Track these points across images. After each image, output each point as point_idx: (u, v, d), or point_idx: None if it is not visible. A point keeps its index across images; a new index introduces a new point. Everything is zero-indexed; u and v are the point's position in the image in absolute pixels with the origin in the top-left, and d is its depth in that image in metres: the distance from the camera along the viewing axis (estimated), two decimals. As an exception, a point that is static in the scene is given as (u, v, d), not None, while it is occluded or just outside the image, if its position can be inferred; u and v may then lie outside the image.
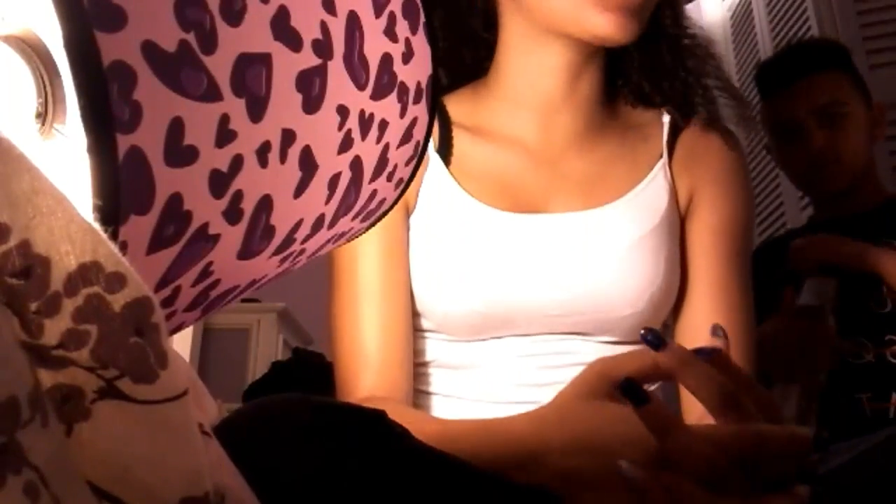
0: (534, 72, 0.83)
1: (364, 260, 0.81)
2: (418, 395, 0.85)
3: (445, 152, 0.85)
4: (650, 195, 0.84)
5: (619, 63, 0.88)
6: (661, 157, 0.86)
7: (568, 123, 0.85)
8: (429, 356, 0.84)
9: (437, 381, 0.84)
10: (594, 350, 0.80)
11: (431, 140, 0.81)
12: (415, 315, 0.83)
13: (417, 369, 0.84)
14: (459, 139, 0.85)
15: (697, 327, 0.81)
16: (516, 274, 0.78)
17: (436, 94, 0.49)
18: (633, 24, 0.74)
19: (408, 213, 0.84)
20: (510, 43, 0.84)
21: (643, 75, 0.87)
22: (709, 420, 0.50)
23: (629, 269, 0.79)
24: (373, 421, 0.53)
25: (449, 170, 0.83)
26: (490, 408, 0.80)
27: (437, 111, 0.85)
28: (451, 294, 0.79)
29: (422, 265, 0.82)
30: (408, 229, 0.83)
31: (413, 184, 0.80)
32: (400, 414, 0.72)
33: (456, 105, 0.88)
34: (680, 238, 0.85)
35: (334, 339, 0.82)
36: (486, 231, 0.80)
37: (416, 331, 0.84)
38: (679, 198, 0.86)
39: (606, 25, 0.73)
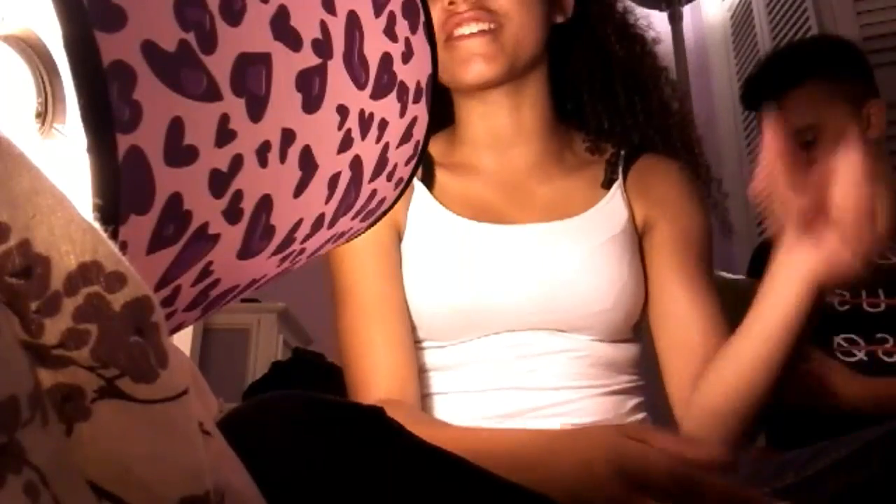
0: (479, 117, 0.95)
1: (365, 279, 0.89)
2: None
3: (428, 182, 0.95)
4: (609, 211, 0.93)
5: (572, 99, 1.00)
6: (618, 180, 0.95)
7: (524, 154, 0.95)
8: (421, 364, 0.90)
9: (431, 383, 0.90)
10: (573, 344, 0.86)
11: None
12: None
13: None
14: (439, 173, 0.96)
15: (672, 314, 0.88)
16: (494, 275, 0.86)
17: (435, 94, 0.49)
18: (489, 66, 0.87)
19: (399, 238, 0.92)
20: (455, 98, 0.98)
21: (598, 116, 0.98)
22: None
23: (594, 268, 0.87)
24: (371, 417, 0.53)
25: (432, 194, 0.93)
26: (478, 396, 0.86)
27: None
28: (437, 296, 0.87)
29: (414, 278, 0.89)
30: (400, 254, 0.91)
31: (402, 211, 0.91)
32: (418, 419, 0.79)
33: (434, 147, 1.00)
34: (641, 256, 0.93)
35: (344, 352, 0.88)
36: (465, 239, 0.89)
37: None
38: (636, 219, 0.94)
39: (468, 74, 0.87)
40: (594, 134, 0.99)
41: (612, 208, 0.93)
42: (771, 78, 1.40)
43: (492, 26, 0.86)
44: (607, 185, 0.95)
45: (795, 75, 1.36)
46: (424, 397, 0.89)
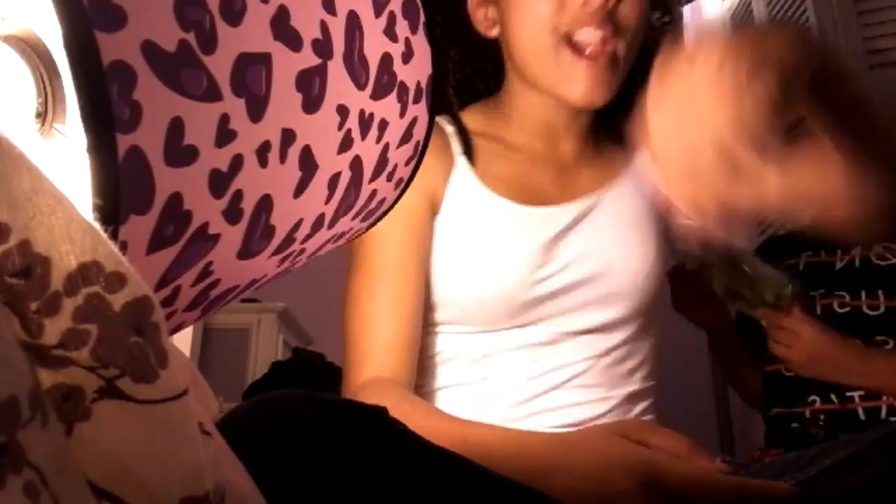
0: (539, 108, 0.92)
1: (384, 245, 0.85)
2: (421, 391, 0.88)
3: (468, 156, 0.91)
4: (633, 187, 0.94)
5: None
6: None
7: (570, 146, 0.95)
8: (437, 349, 0.88)
9: (444, 374, 0.88)
10: (602, 342, 0.87)
11: (456, 144, 0.91)
12: (426, 310, 0.87)
13: (422, 364, 0.87)
14: (480, 145, 0.93)
15: None
16: (535, 260, 0.85)
17: (436, 94, 0.49)
18: (601, 95, 0.84)
19: (433, 213, 0.89)
20: (517, 84, 0.93)
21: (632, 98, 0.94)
22: None
23: (630, 243, 0.90)
24: (372, 417, 0.53)
25: (473, 172, 0.90)
26: (500, 388, 0.85)
27: (455, 123, 0.95)
28: (478, 281, 0.84)
29: (450, 258, 0.86)
30: (432, 228, 0.88)
31: (440, 183, 0.88)
32: (413, 404, 0.76)
33: (471, 118, 0.96)
34: None
35: (345, 318, 0.85)
36: (508, 223, 0.87)
37: (426, 326, 0.87)
38: None
39: (579, 91, 0.83)
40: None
41: (636, 185, 0.94)
42: None
43: (615, 49, 0.82)
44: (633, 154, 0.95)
45: None
46: (434, 392, 0.88)
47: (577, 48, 0.82)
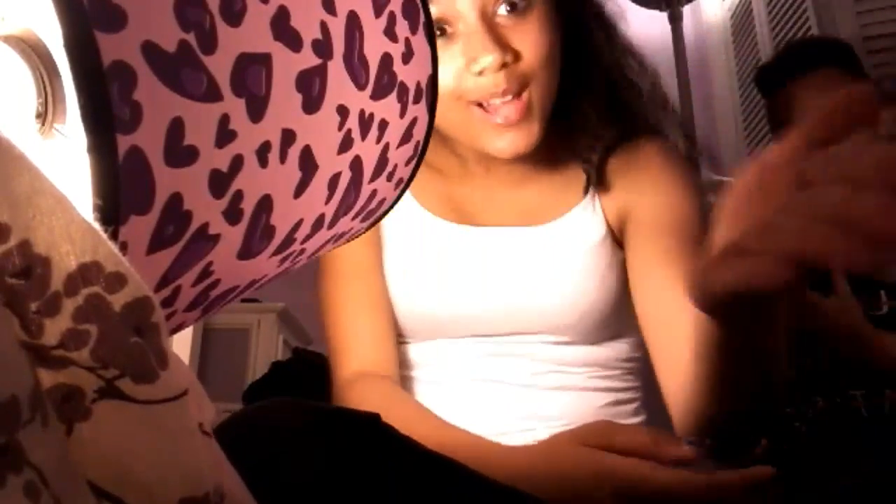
0: (467, 147, 0.87)
1: (348, 245, 0.86)
2: None
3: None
4: (586, 220, 0.87)
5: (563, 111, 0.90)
6: (593, 186, 0.88)
7: (513, 167, 0.89)
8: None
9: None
10: (543, 350, 0.86)
11: None
12: None
13: None
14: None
15: (655, 317, 0.80)
16: (464, 281, 0.86)
17: (436, 94, 0.49)
18: (525, 138, 0.79)
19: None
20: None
21: (585, 115, 0.88)
22: None
23: (561, 281, 0.84)
24: (368, 424, 0.53)
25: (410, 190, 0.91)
26: (449, 394, 0.86)
27: None
28: (406, 298, 0.87)
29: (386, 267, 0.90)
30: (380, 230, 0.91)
31: None
32: (402, 400, 0.78)
33: None
34: (625, 253, 0.86)
35: (325, 318, 0.88)
36: (438, 241, 0.89)
37: None
38: (611, 216, 0.87)
39: (501, 146, 0.79)
40: (577, 131, 0.89)
41: (590, 217, 0.87)
42: (789, 62, 1.45)
43: (528, 100, 0.78)
44: (587, 190, 0.89)
45: (813, 60, 1.42)
46: None
47: (487, 109, 0.78)
